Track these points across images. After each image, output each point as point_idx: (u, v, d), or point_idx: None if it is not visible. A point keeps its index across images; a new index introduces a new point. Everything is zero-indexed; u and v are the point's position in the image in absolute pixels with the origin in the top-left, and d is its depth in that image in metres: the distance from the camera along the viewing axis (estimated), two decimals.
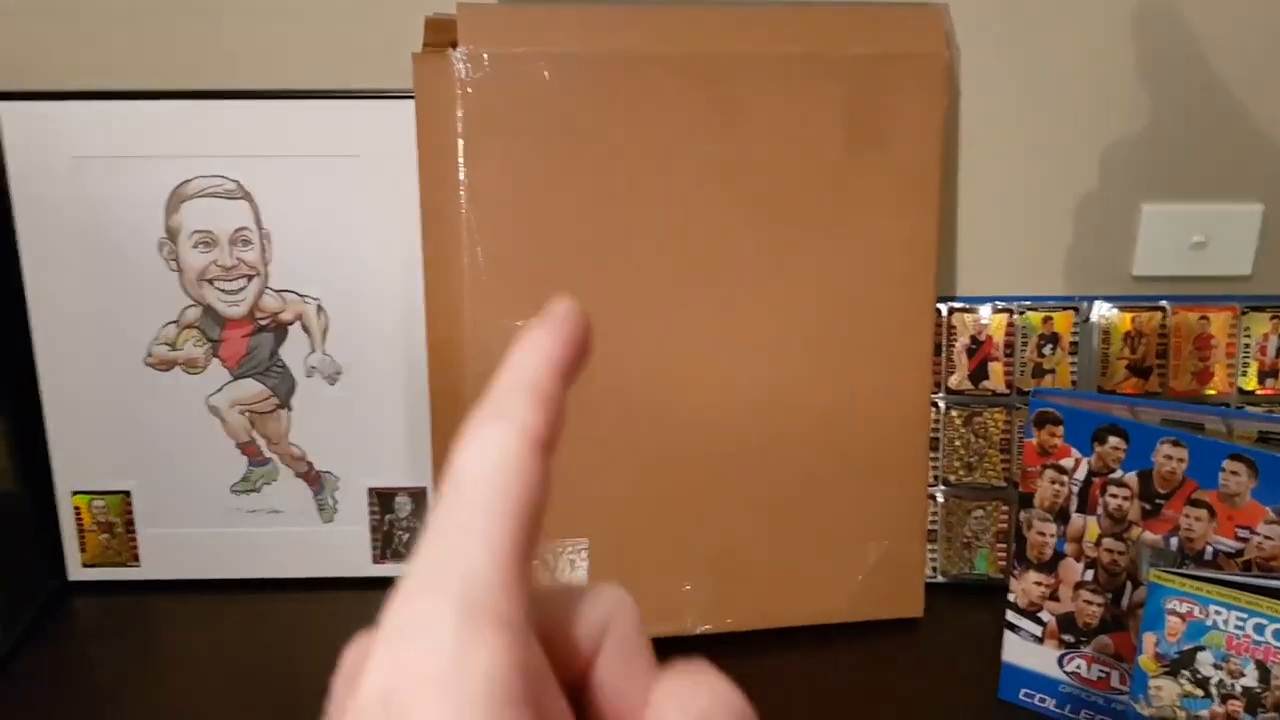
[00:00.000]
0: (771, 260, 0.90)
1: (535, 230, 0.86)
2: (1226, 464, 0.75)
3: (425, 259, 0.87)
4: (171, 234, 0.96)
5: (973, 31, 0.97)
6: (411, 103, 0.87)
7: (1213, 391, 1.02)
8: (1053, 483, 0.82)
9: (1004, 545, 1.03)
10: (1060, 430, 0.81)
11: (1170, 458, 0.77)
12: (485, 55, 0.83)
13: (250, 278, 0.98)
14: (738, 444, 0.92)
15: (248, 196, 0.96)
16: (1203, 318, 1.01)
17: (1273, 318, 1.01)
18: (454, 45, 0.83)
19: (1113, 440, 0.79)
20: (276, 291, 0.98)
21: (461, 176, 0.84)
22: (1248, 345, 1.02)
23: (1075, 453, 0.80)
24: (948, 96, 0.93)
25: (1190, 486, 0.77)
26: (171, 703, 0.91)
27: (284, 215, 0.97)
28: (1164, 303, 1.01)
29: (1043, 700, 0.87)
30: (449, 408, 0.88)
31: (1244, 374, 1.02)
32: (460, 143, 0.84)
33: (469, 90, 0.83)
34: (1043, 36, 0.98)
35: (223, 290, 0.98)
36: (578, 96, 0.85)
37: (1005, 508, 1.02)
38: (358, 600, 1.00)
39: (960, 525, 1.03)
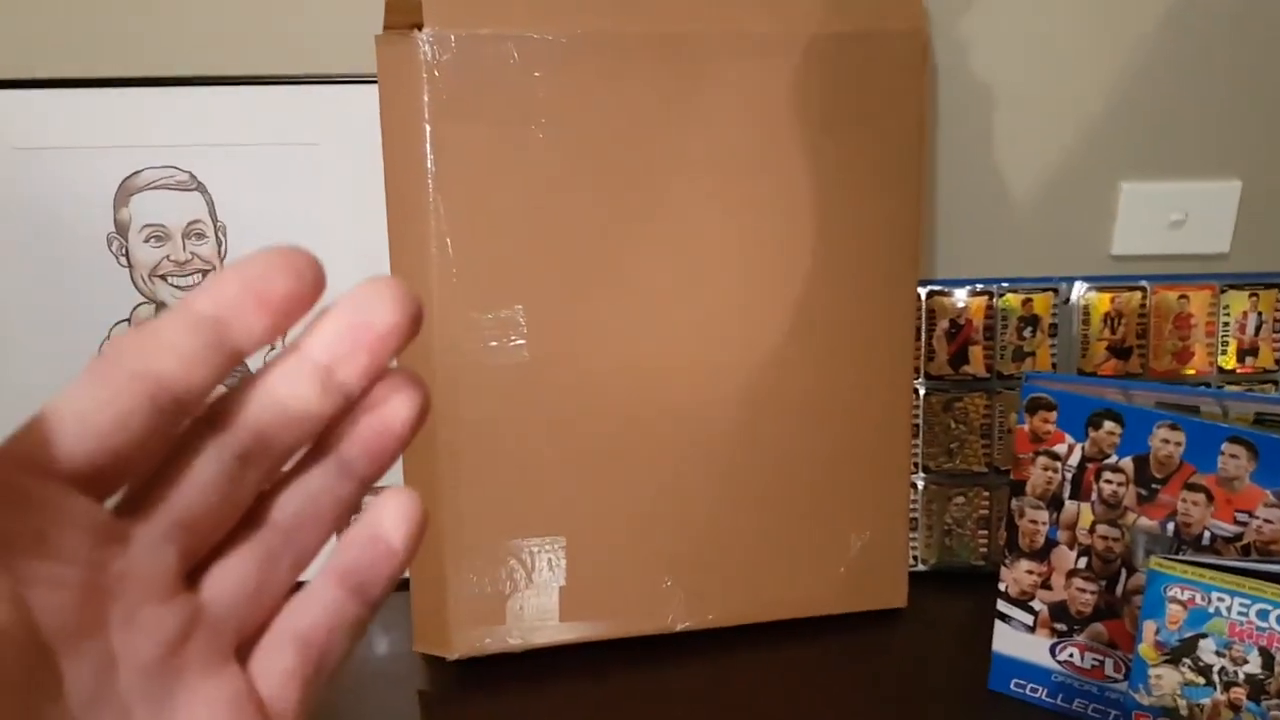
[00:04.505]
0: (748, 245, 0.87)
1: (504, 217, 0.83)
2: (1225, 447, 0.74)
3: (391, 249, 0.84)
4: (121, 228, 0.92)
5: (949, 8, 0.95)
6: (370, 87, 0.83)
7: (1192, 371, 1.01)
8: (1045, 469, 0.80)
9: (985, 532, 1.01)
10: (1053, 416, 0.79)
11: (1167, 441, 0.75)
12: (452, 36, 0.79)
13: (205, 273, 0.94)
14: (716, 435, 0.90)
15: (201, 188, 0.92)
16: (1182, 297, 1.00)
17: (1251, 295, 1.00)
18: (417, 26, 0.79)
19: (1108, 425, 0.77)
20: None
21: (428, 163, 0.81)
22: (1226, 324, 1.00)
23: (1069, 438, 0.78)
24: (926, 74, 0.91)
25: (1187, 470, 0.75)
26: None
27: (240, 207, 0.93)
28: (1144, 282, 1.00)
29: (1034, 690, 0.85)
30: None
31: (1223, 353, 1.01)
32: (427, 127, 0.80)
33: (435, 73, 0.79)
34: (1019, 14, 0.96)
35: (177, 286, 0.94)
36: (546, 78, 0.81)
37: (986, 494, 1.00)
38: None
39: (941, 512, 1.01)
